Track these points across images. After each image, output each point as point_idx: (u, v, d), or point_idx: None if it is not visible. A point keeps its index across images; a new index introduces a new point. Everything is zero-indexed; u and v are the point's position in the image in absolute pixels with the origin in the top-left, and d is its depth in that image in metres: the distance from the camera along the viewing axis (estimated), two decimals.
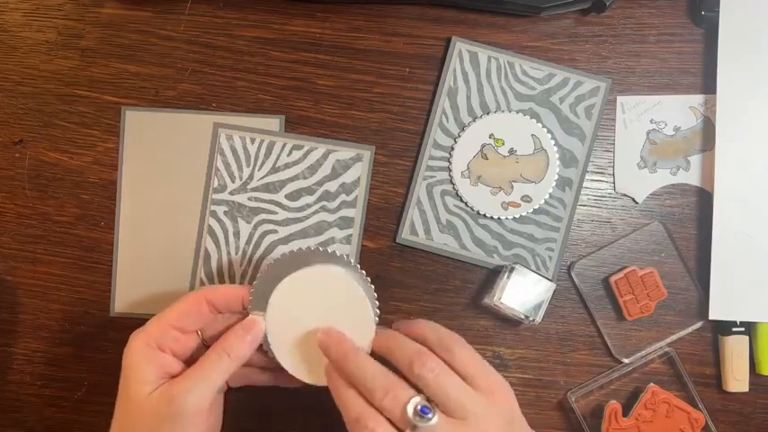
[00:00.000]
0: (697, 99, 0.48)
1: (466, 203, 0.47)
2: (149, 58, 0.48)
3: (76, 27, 0.49)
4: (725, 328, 0.47)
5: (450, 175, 0.47)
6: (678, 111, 0.48)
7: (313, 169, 0.48)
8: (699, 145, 0.48)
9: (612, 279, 0.47)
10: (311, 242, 0.48)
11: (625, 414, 0.46)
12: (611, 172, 0.48)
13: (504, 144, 0.47)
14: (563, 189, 0.48)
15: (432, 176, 0.48)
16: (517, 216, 0.47)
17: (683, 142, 0.48)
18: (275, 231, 0.48)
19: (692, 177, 0.48)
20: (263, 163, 0.48)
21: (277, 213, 0.48)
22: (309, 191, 0.48)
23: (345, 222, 0.48)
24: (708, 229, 0.47)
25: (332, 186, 0.48)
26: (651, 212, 0.48)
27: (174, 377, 0.38)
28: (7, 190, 0.48)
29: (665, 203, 0.48)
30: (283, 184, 0.48)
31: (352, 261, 0.40)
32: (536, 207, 0.47)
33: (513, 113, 0.47)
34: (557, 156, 0.47)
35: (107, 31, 0.48)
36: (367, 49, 0.48)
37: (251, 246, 0.48)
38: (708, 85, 0.48)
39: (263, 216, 0.48)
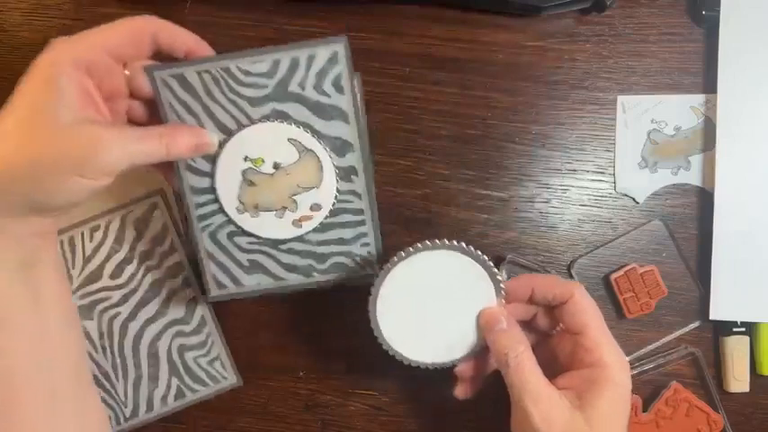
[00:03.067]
0: (698, 99, 0.48)
1: (257, 237, 0.42)
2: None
3: (76, 27, 0.48)
4: (725, 328, 0.47)
5: (226, 216, 0.42)
6: (679, 110, 0.48)
7: (119, 241, 0.47)
8: (700, 145, 0.48)
9: (613, 277, 0.47)
10: (155, 303, 0.47)
11: (644, 410, 0.46)
12: (612, 172, 0.48)
13: (264, 162, 0.41)
14: (349, 180, 0.42)
15: (209, 224, 0.42)
16: (315, 226, 0.42)
17: (684, 142, 0.48)
18: (119, 314, 0.47)
19: (692, 177, 0.48)
20: (73, 262, 0.47)
21: (111, 297, 0.47)
22: (127, 260, 0.47)
23: (175, 270, 0.48)
24: (708, 228, 0.47)
25: (144, 245, 0.47)
26: (652, 212, 0.48)
27: (90, 115, 0.35)
28: None
29: (665, 203, 0.48)
30: (102, 268, 0.47)
31: (471, 249, 0.39)
32: (329, 211, 0.42)
33: (257, 125, 0.40)
34: (325, 150, 0.41)
35: None
36: (367, 49, 0.48)
37: (107, 338, 0.48)
38: (709, 85, 0.47)
39: (100, 306, 0.47)
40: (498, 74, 0.48)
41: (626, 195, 0.48)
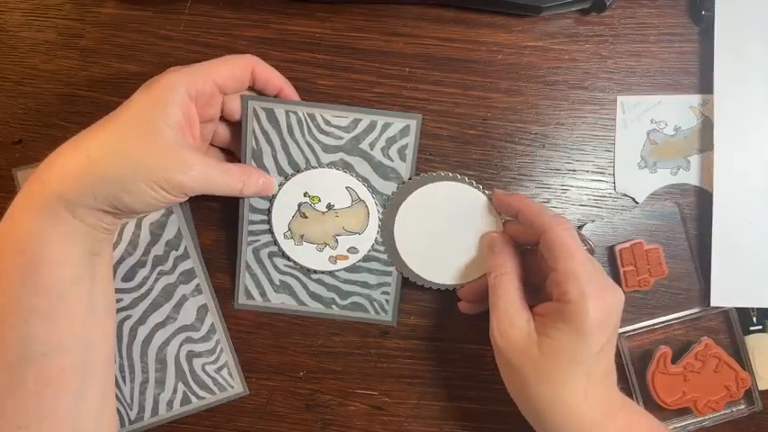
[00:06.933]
0: (697, 99, 0.48)
1: (295, 262, 0.47)
2: (149, 58, 0.48)
3: (76, 27, 0.49)
4: (743, 327, 0.48)
5: (273, 237, 0.46)
6: (678, 110, 0.48)
7: (134, 244, 0.47)
8: (699, 145, 0.48)
9: (618, 248, 0.47)
10: (166, 308, 0.47)
11: (674, 362, 0.47)
12: (612, 172, 0.48)
13: (320, 201, 0.45)
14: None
15: (256, 240, 0.47)
16: (347, 266, 0.47)
17: (683, 142, 0.48)
18: (129, 316, 0.47)
19: (692, 177, 0.48)
20: None
21: (122, 300, 0.47)
22: (141, 264, 0.47)
23: (187, 276, 0.47)
24: (708, 228, 0.47)
25: (158, 250, 0.47)
26: (652, 212, 0.48)
27: (188, 139, 0.39)
28: (7, 190, 0.48)
29: (665, 204, 0.48)
30: (114, 270, 0.46)
31: (474, 183, 0.44)
32: (363, 256, 0.46)
33: (324, 169, 0.45)
34: (375, 204, 0.46)
35: (107, 31, 0.48)
36: (367, 49, 0.48)
37: (115, 340, 0.46)
38: (708, 85, 0.48)
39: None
40: (498, 74, 0.48)
41: (626, 195, 0.48)
